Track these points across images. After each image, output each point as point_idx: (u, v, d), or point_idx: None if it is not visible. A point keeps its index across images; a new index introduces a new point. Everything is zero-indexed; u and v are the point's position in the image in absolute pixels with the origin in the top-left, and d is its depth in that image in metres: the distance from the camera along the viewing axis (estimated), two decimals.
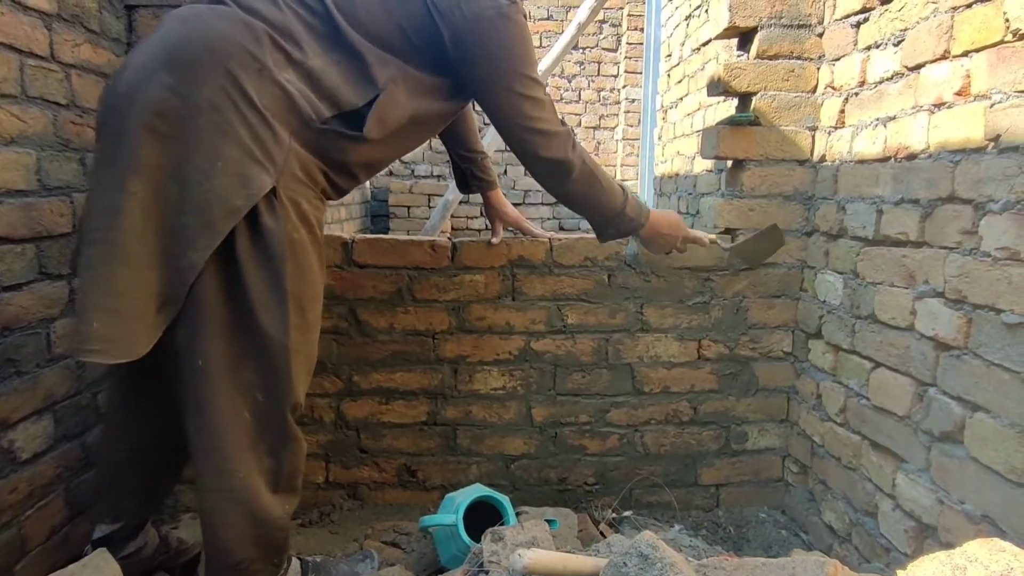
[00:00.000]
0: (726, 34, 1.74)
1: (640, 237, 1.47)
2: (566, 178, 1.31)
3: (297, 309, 1.09)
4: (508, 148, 1.34)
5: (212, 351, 1.03)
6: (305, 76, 1.09)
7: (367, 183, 5.06)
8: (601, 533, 1.60)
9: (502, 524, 1.35)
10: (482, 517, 1.39)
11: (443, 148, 5.65)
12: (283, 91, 1.05)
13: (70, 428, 1.40)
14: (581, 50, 5.04)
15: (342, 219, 4.27)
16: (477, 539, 1.23)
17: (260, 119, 1.03)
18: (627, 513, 1.74)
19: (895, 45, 1.36)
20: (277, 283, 1.06)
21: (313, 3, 1.12)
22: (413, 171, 5.16)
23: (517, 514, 1.48)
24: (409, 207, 5.03)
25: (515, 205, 5.66)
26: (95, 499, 1.28)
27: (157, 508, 1.36)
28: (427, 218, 4.36)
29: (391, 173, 5.10)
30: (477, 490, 1.45)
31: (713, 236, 1.54)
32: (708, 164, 2.53)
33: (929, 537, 1.23)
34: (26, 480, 1.26)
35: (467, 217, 5.14)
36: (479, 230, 5.13)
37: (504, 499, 1.44)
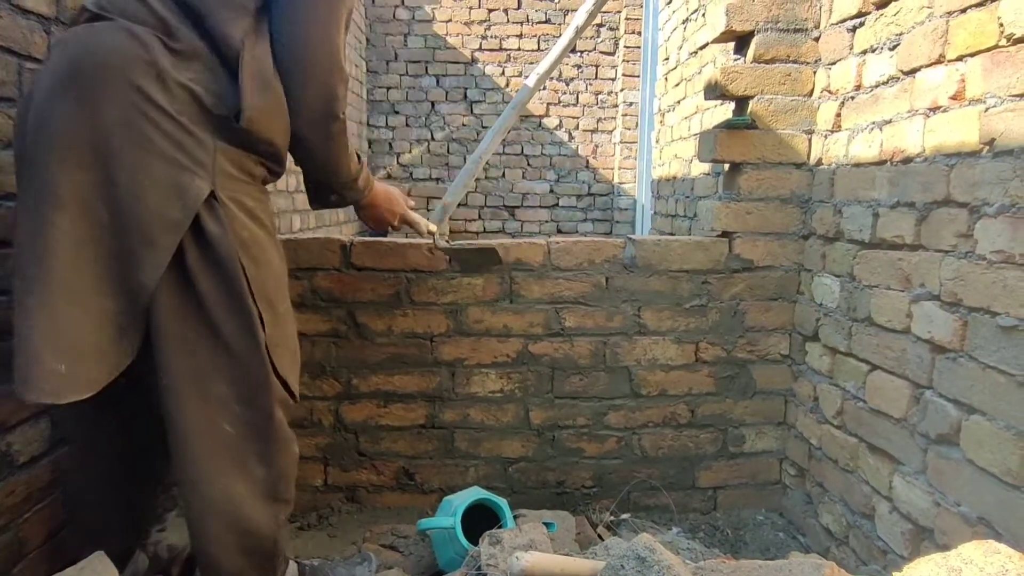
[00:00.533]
0: (723, 38, 1.75)
1: (359, 207, 1.36)
2: (332, 123, 1.14)
3: (267, 306, 1.08)
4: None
5: (176, 368, 1.02)
6: (202, 68, 1.02)
7: None
8: (599, 536, 1.60)
9: (500, 527, 1.35)
10: (480, 520, 1.39)
11: (442, 151, 5.60)
12: (188, 91, 1.00)
13: (67, 431, 1.39)
14: (579, 53, 5.05)
15: (340, 221, 4.27)
16: (475, 542, 1.23)
17: (176, 126, 0.99)
18: (625, 516, 1.75)
19: (891, 49, 1.36)
20: (233, 289, 1.03)
21: None
22: (411, 174, 5.17)
23: (515, 517, 1.48)
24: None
25: (513, 209, 5.62)
26: (74, 540, 1.22)
27: (143, 531, 1.33)
28: None
29: (389, 176, 5.11)
30: (475, 493, 1.45)
31: (433, 227, 1.53)
32: (705, 167, 2.54)
33: (926, 539, 1.23)
34: (23, 483, 1.25)
35: (465, 220, 5.14)
36: (477, 233, 5.14)
37: (502, 502, 1.44)
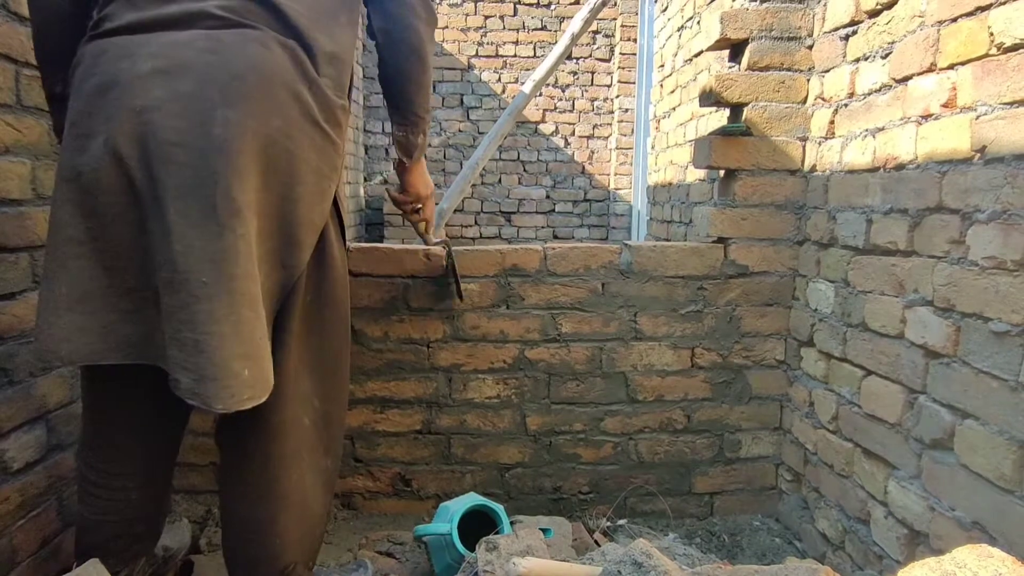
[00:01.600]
0: (718, 46, 1.76)
1: (409, 162, 1.35)
2: (428, 45, 1.23)
3: (346, 313, 1.19)
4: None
5: (280, 365, 1.06)
6: (333, 74, 1.09)
7: (361, 191, 5.07)
8: (596, 542, 1.60)
9: (497, 533, 1.35)
10: (477, 526, 1.38)
11: (438, 156, 5.63)
12: (327, 99, 1.07)
13: (63, 437, 1.39)
14: (575, 60, 5.08)
15: None
16: (472, 548, 1.23)
17: (323, 135, 1.06)
18: (621, 522, 1.75)
19: (883, 58, 1.38)
20: (336, 288, 1.14)
21: None
22: None
23: (512, 523, 1.48)
24: (404, 215, 5.03)
25: (509, 215, 5.65)
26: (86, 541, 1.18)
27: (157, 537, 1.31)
28: None
29: (385, 181, 5.11)
30: (471, 499, 1.45)
31: (436, 250, 1.63)
32: (701, 173, 2.55)
33: (921, 544, 1.23)
34: (17, 490, 1.25)
35: (462, 226, 5.15)
36: (473, 238, 5.15)
37: (499, 508, 1.44)
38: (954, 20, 1.16)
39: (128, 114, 0.95)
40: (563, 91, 5.16)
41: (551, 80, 4.89)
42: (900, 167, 1.31)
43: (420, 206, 1.46)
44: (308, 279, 1.11)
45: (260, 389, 0.99)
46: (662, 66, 3.30)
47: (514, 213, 5.22)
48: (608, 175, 5.22)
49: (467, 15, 5.02)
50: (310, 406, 1.15)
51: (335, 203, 1.15)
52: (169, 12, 0.99)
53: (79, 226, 0.98)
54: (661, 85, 3.29)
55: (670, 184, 3.05)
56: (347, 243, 1.31)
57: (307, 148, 1.03)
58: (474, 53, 5.07)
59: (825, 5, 1.61)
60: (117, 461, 1.14)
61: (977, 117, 1.10)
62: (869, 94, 1.43)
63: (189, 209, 0.94)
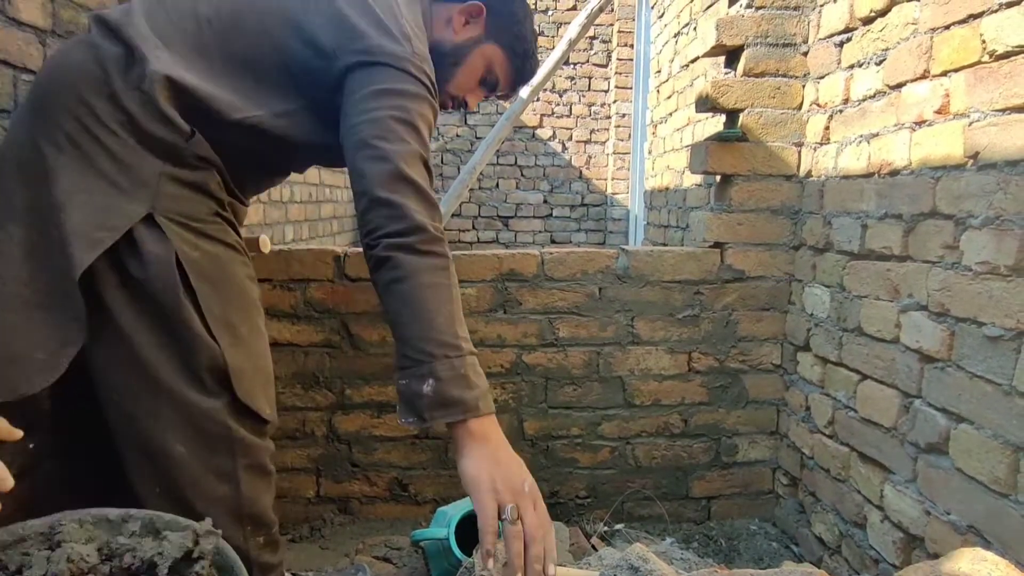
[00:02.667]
0: (714, 52, 1.78)
1: (462, 426, 0.91)
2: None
3: (225, 328, 0.97)
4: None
5: (122, 432, 0.94)
6: (157, 90, 0.97)
7: None
8: (593, 546, 1.60)
9: None
10: (474, 531, 1.38)
11: (435, 161, 5.63)
12: (135, 113, 0.96)
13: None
14: (572, 65, 5.10)
15: (334, 232, 4.27)
16: (469, 553, 1.23)
17: (122, 145, 0.95)
18: (619, 526, 1.75)
19: (877, 64, 1.39)
20: (172, 320, 0.94)
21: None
22: None
23: None
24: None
25: (507, 219, 5.65)
26: None
27: None
28: None
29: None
30: (469, 504, 1.45)
31: None
32: (697, 178, 2.56)
33: (917, 548, 1.24)
34: (12, 497, 1.24)
35: (459, 230, 5.16)
36: (471, 243, 5.15)
37: None
38: (947, 27, 1.17)
39: None
40: (560, 96, 5.18)
41: (548, 85, 4.90)
42: (894, 173, 1.32)
43: (516, 518, 0.84)
44: (134, 311, 0.94)
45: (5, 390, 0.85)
46: (659, 72, 3.31)
47: (511, 217, 5.23)
48: (605, 180, 5.23)
49: None
50: (186, 472, 0.96)
51: (189, 224, 0.98)
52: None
53: None
54: (658, 90, 3.31)
55: (667, 189, 3.06)
56: (347, 250, 1.21)
57: (99, 157, 0.93)
58: None
59: (820, 12, 1.62)
60: None
61: (970, 123, 1.11)
62: (863, 100, 1.44)
63: None
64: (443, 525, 1.37)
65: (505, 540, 0.82)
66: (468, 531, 1.37)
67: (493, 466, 0.87)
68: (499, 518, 0.84)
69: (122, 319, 0.94)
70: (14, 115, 1.02)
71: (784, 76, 1.69)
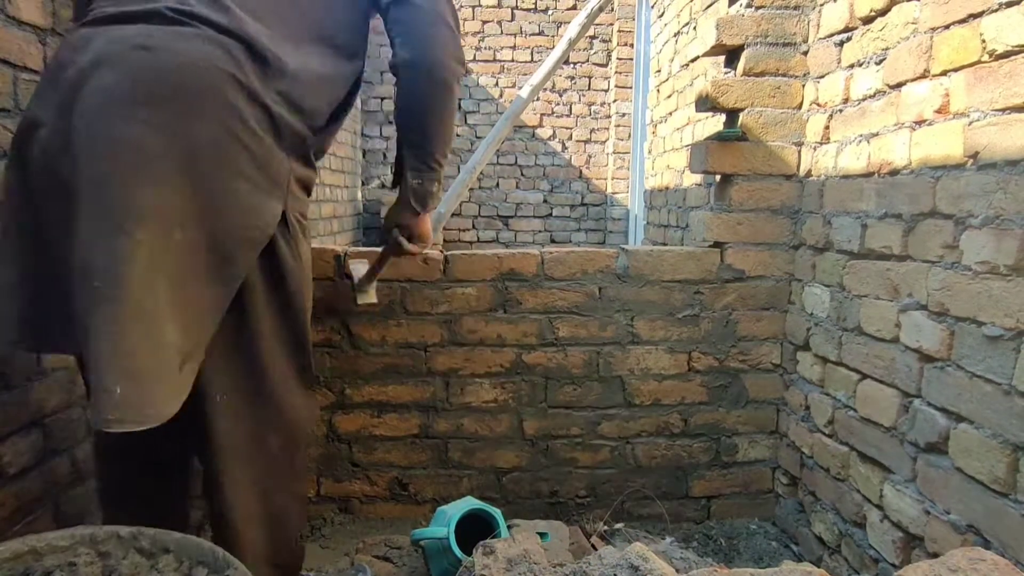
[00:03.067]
0: (713, 52, 1.78)
1: (424, 213, 1.29)
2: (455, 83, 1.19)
3: (306, 330, 1.11)
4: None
5: (235, 389, 1.03)
6: (286, 86, 1.02)
7: (359, 195, 5.07)
8: (593, 545, 1.60)
9: (494, 537, 1.35)
10: (474, 530, 1.38)
11: None
12: (273, 110, 1.00)
13: (59, 442, 1.38)
14: (572, 65, 5.10)
15: (334, 231, 4.27)
16: (469, 553, 1.23)
17: (261, 146, 0.98)
18: (619, 525, 1.75)
19: (877, 64, 1.39)
20: (290, 313, 1.06)
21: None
22: None
23: (509, 527, 1.48)
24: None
25: (507, 219, 5.64)
26: None
27: None
28: None
29: (383, 186, 5.12)
30: (469, 503, 1.45)
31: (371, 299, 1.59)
32: (697, 178, 2.56)
33: (916, 547, 1.24)
34: (13, 495, 1.24)
35: (459, 230, 5.16)
36: (471, 242, 5.15)
37: (496, 512, 1.44)
38: (947, 27, 1.17)
39: (63, 103, 0.92)
40: (560, 96, 5.18)
41: (548, 85, 4.90)
42: (894, 172, 1.32)
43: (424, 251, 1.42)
44: (258, 298, 1.02)
45: (134, 414, 0.86)
46: (659, 71, 3.31)
47: (512, 217, 5.22)
48: (605, 179, 5.23)
49: (465, 20, 5.03)
50: (270, 429, 1.07)
51: (288, 221, 1.06)
52: (130, 9, 0.96)
53: (29, 213, 0.96)
54: (658, 90, 3.31)
55: (667, 188, 3.06)
56: (347, 249, 1.30)
57: (243, 159, 0.96)
58: (472, 58, 5.08)
59: (820, 12, 1.62)
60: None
61: (970, 123, 1.11)
62: (863, 100, 1.44)
63: (93, 207, 0.88)
64: (443, 524, 1.38)
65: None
66: (468, 531, 1.37)
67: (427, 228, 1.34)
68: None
69: (253, 315, 1.01)
70: (105, 101, 0.90)
71: (784, 76, 1.69)
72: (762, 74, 1.68)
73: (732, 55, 1.76)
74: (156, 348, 0.89)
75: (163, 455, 1.17)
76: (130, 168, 0.88)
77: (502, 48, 5.09)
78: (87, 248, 0.88)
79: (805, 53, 1.68)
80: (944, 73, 1.18)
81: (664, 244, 3.03)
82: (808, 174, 1.67)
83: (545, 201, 5.25)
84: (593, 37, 5.09)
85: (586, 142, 5.23)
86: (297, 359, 1.10)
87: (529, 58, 5.09)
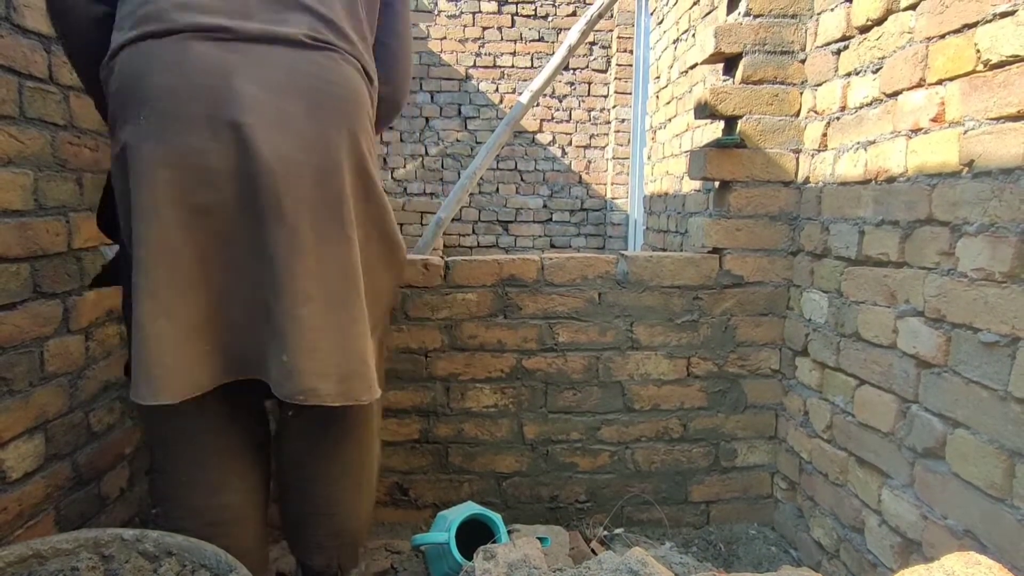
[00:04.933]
0: (712, 59, 1.79)
1: None
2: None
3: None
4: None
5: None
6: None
7: None
8: (592, 550, 1.61)
9: (494, 542, 1.36)
10: (474, 535, 1.39)
11: (436, 166, 5.63)
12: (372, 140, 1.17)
13: (61, 447, 1.39)
14: (572, 71, 5.12)
15: None
16: (469, 557, 1.24)
17: (374, 162, 1.16)
18: (618, 530, 1.75)
19: (874, 72, 1.40)
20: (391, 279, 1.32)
21: None
22: (406, 189, 5.20)
23: (509, 532, 1.49)
24: (402, 224, 5.06)
25: (506, 223, 5.64)
26: None
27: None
28: (420, 236, 4.38)
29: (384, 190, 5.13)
30: (469, 508, 1.45)
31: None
32: (696, 184, 2.57)
33: (914, 552, 1.24)
34: (15, 500, 1.25)
35: (459, 235, 5.17)
36: (471, 247, 5.16)
37: (496, 517, 1.44)
38: (942, 37, 1.19)
39: (227, 127, 0.97)
40: (560, 101, 5.20)
41: (548, 90, 4.92)
42: (891, 180, 1.33)
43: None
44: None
45: (381, 381, 1.12)
46: (658, 78, 3.33)
47: (511, 222, 5.24)
48: (605, 185, 5.25)
49: (465, 26, 5.06)
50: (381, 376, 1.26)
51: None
52: (251, 27, 1.03)
53: (185, 248, 1.00)
54: (657, 96, 3.32)
55: (666, 194, 3.07)
56: None
57: (374, 165, 1.14)
58: (472, 64, 5.11)
59: (817, 20, 1.63)
60: (221, 492, 1.17)
61: (965, 132, 1.13)
62: (860, 108, 1.45)
63: (321, 224, 1.01)
64: (443, 529, 1.38)
65: None
66: (468, 535, 1.37)
67: None
68: None
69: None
70: (263, 114, 0.99)
71: (782, 83, 1.70)
72: (760, 82, 1.70)
73: (730, 63, 1.77)
74: (368, 335, 1.09)
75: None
76: (343, 186, 1.04)
77: (502, 54, 5.11)
78: (319, 263, 1.02)
79: (803, 61, 1.69)
80: (940, 82, 1.19)
81: (663, 249, 3.04)
82: (806, 181, 1.68)
83: (545, 206, 5.26)
84: (593, 43, 5.11)
85: (586, 147, 5.24)
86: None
87: (529, 64, 5.11)
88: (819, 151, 1.62)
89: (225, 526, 1.14)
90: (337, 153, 1.03)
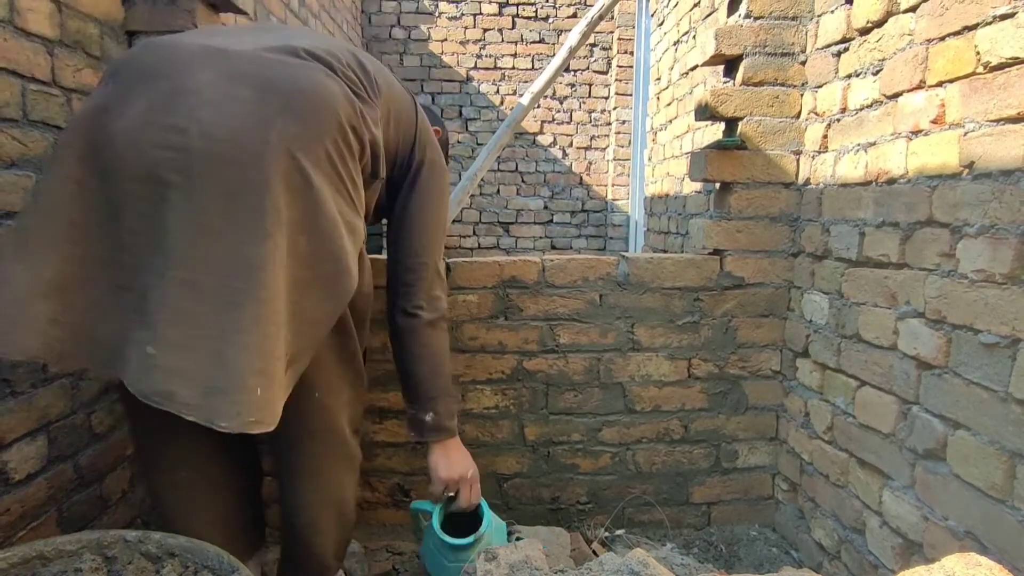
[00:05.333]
0: (713, 61, 1.79)
1: (438, 442, 1.34)
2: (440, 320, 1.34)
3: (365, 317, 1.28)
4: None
5: (326, 382, 1.16)
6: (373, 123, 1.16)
7: None
8: (594, 552, 1.61)
9: (480, 520, 1.37)
10: (462, 522, 1.40)
11: None
12: (365, 145, 1.11)
13: (64, 448, 1.39)
14: (572, 72, 5.13)
15: None
16: (451, 533, 1.31)
17: (357, 171, 1.10)
18: (619, 531, 1.75)
19: (874, 74, 1.41)
20: (358, 302, 1.19)
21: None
22: None
23: (509, 533, 1.49)
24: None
25: (507, 225, 5.65)
26: None
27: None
28: None
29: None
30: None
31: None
32: (697, 185, 2.58)
33: (915, 554, 1.24)
34: (18, 501, 1.25)
35: (460, 236, 5.17)
36: (472, 249, 5.17)
37: (481, 500, 1.44)
38: (942, 39, 1.19)
39: (172, 104, 0.91)
40: (561, 103, 5.20)
41: (549, 92, 4.93)
42: (891, 181, 1.34)
43: (453, 493, 1.36)
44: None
45: (268, 415, 0.90)
46: (658, 79, 3.34)
47: (512, 223, 5.24)
48: (606, 186, 5.25)
49: (466, 28, 5.07)
50: (349, 414, 1.23)
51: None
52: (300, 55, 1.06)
53: (82, 209, 0.92)
54: (658, 98, 3.33)
55: (667, 195, 3.08)
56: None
57: (343, 180, 1.04)
58: (473, 65, 5.11)
59: (817, 22, 1.64)
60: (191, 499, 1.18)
61: (965, 133, 1.13)
62: (861, 109, 1.46)
63: (235, 211, 0.90)
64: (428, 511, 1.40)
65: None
66: (458, 520, 1.39)
67: (447, 462, 1.35)
68: (445, 496, 1.36)
69: (343, 322, 1.15)
70: (240, 110, 0.94)
71: (782, 85, 1.70)
72: (761, 83, 1.70)
73: (731, 64, 1.78)
74: (281, 350, 0.93)
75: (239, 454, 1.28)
76: (276, 177, 0.92)
77: (503, 55, 5.12)
78: (225, 251, 0.90)
79: (803, 63, 1.70)
80: (940, 84, 1.20)
81: (664, 251, 3.05)
82: (807, 182, 1.68)
83: (546, 207, 5.27)
84: (593, 45, 5.12)
85: (586, 149, 5.25)
86: (357, 358, 1.25)
87: (530, 65, 5.12)
88: (819, 153, 1.63)
89: (177, 505, 1.15)
90: (278, 145, 0.93)
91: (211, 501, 1.21)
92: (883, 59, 1.37)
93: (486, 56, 5.12)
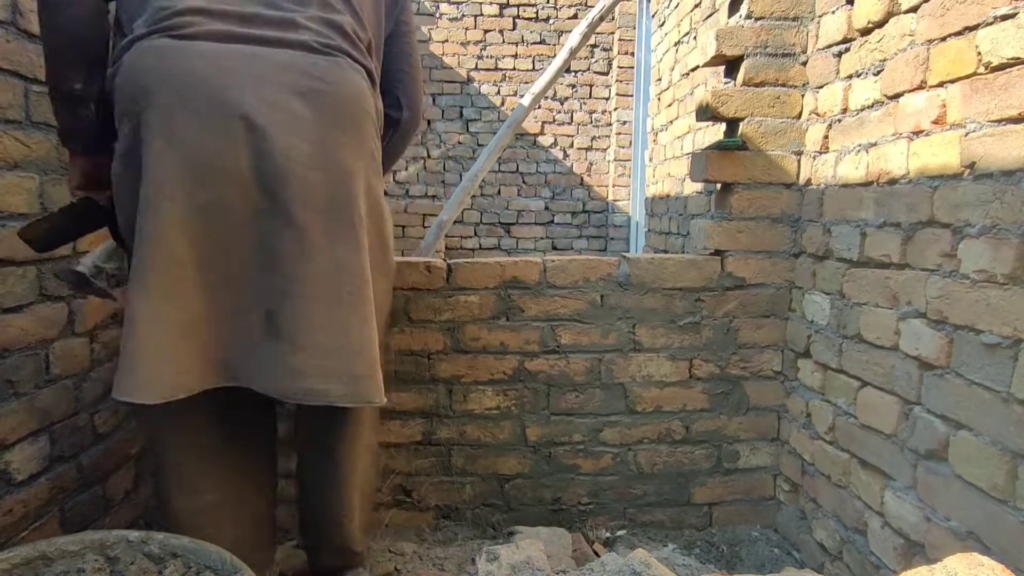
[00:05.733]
0: (713, 62, 1.79)
1: None
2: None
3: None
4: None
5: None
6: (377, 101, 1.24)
7: None
8: (595, 552, 1.61)
9: None
10: None
11: (438, 168, 5.62)
12: (380, 115, 1.22)
13: (66, 449, 1.40)
14: (573, 73, 5.13)
15: None
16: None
17: (377, 149, 1.22)
18: (621, 532, 1.75)
19: (875, 75, 1.41)
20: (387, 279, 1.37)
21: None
22: (407, 191, 5.20)
23: (510, 534, 1.49)
24: (404, 227, 5.06)
25: (508, 226, 5.65)
26: None
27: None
28: (421, 238, 4.39)
29: (386, 193, 5.15)
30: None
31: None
32: (698, 186, 2.58)
33: (917, 554, 1.24)
34: (21, 502, 1.26)
35: (461, 237, 5.17)
36: (473, 250, 5.17)
37: None
38: (943, 39, 1.19)
39: (238, 127, 0.98)
40: (562, 104, 5.20)
41: (550, 93, 4.93)
42: (892, 182, 1.34)
43: None
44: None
45: (379, 396, 1.10)
46: (659, 80, 3.34)
47: (513, 224, 5.24)
48: (607, 187, 5.25)
49: (467, 29, 5.07)
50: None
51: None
52: (261, 33, 1.05)
53: (185, 246, 0.99)
54: (658, 98, 3.33)
55: (668, 196, 3.08)
56: None
57: (376, 170, 1.17)
58: (473, 66, 5.12)
59: (818, 23, 1.64)
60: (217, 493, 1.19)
61: (966, 134, 1.13)
62: (862, 110, 1.46)
63: (335, 229, 1.04)
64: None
65: None
66: None
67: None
68: None
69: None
70: (276, 112, 1.02)
71: (783, 86, 1.70)
72: (762, 84, 1.70)
73: (732, 65, 1.78)
74: (375, 341, 1.11)
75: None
76: (355, 191, 1.07)
77: (504, 57, 5.12)
78: (335, 265, 1.04)
79: (804, 64, 1.70)
80: (941, 84, 1.20)
81: (665, 251, 3.05)
82: (808, 183, 1.68)
83: (547, 208, 5.27)
84: (594, 46, 5.12)
85: (587, 150, 5.25)
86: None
87: (531, 67, 5.12)
88: (820, 153, 1.63)
89: (199, 530, 1.10)
90: (347, 157, 1.06)
91: (231, 526, 1.21)
92: (884, 59, 1.37)
93: (487, 57, 5.12)
